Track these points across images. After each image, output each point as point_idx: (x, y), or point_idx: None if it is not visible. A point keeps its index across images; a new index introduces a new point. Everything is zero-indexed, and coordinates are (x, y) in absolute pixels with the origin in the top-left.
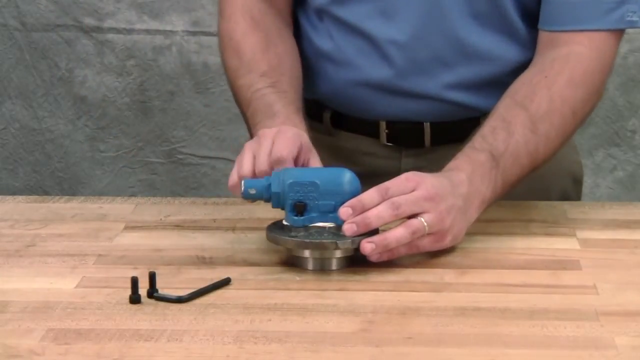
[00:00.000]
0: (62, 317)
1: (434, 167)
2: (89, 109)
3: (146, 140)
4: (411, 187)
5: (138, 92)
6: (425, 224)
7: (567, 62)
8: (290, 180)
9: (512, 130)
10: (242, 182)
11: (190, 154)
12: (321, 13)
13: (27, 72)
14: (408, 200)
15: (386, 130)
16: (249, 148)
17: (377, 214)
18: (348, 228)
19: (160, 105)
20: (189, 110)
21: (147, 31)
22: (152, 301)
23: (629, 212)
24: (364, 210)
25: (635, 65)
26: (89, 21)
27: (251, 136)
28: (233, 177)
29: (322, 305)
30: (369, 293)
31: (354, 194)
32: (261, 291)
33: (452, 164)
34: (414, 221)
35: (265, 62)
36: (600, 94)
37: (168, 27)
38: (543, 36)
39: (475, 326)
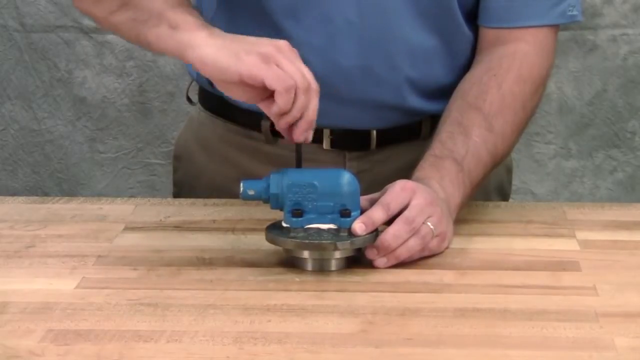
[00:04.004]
0: (61, 317)
1: (378, 168)
2: (88, 110)
3: (146, 142)
4: (408, 196)
5: (137, 93)
6: (432, 227)
7: (514, 59)
8: (289, 182)
9: (469, 132)
10: (241, 183)
11: None
12: (261, 21)
13: (27, 73)
14: (416, 212)
15: (330, 137)
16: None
17: (397, 235)
18: (379, 262)
19: (159, 107)
20: (189, 111)
21: None
22: (152, 302)
23: (628, 213)
24: (375, 226)
25: (634, 66)
26: (89, 22)
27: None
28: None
29: (322, 306)
30: (369, 294)
31: (353, 195)
32: (261, 292)
33: (419, 173)
34: (422, 227)
35: None
36: (545, 86)
37: None
38: (487, 33)
39: (475, 327)
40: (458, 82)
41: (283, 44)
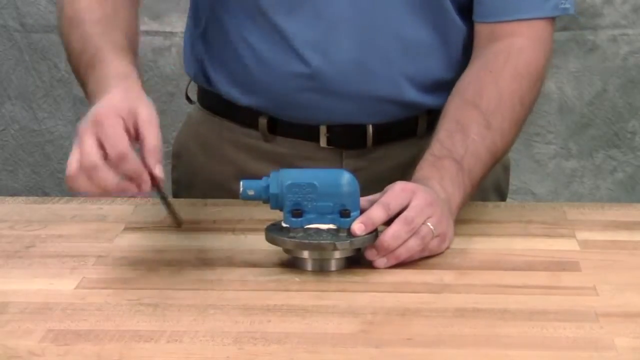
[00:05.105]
0: (61, 318)
1: (375, 166)
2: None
3: None
4: (408, 197)
5: None
6: (432, 227)
7: (510, 54)
8: (289, 182)
9: (468, 130)
10: (241, 182)
11: None
12: (255, 18)
13: (27, 73)
14: (416, 212)
15: (327, 134)
16: (89, 133)
17: (396, 235)
18: (379, 263)
19: (159, 107)
20: (188, 111)
21: (147, 32)
22: (152, 302)
23: (628, 214)
24: (375, 226)
25: (634, 66)
26: None
27: (85, 91)
28: (73, 166)
29: (322, 307)
30: (369, 294)
31: (353, 196)
32: (261, 292)
33: (419, 174)
34: (422, 228)
35: (99, 11)
36: (543, 80)
37: (168, 29)
38: (481, 29)
39: (475, 327)
40: (453, 75)
41: (85, 123)
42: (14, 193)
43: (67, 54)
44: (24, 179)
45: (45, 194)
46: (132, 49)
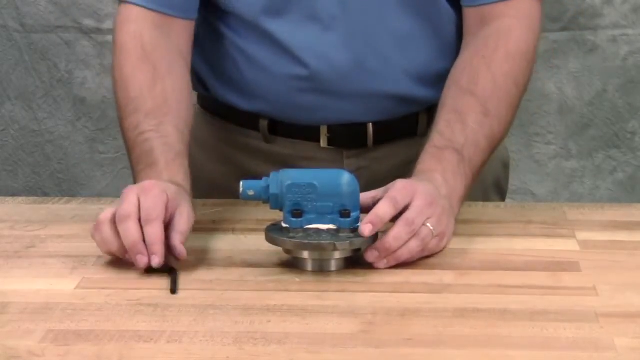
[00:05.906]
0: (61, 318)
1: (376, 166)
2: (88, 110)
3: None
4: (410, 195)
5: None
6: (432, 228)
7: (499, 37)
8: (289, 182)
9: (466, 119)
10: (241, 183)
11: None
12: (249, 25)
13: (27, 74)
14: (417, 213)
15: (327, 134)
16: (134, 193)
17: (398, 237)
18: (380, 264)
19: None
20: None
21: None
22: (152, 302)
23: (628, 214)
24: (383, 223)
25: (634, 67)
26: (89, 22)
27: (134, 180)
28: (107, 215)
29: (322, 307)
30: (369, 294)
31: (353, 196)
32: (261, 292)
33: (421, 166)
34: (422, 229)
35: (150, 100)
36: (535, 58)
37: None
38: (470, 13)
39: (475, 328)
40: (448, 65)
41: (100, 218)
42: (14, 193)
43: (122, 133)
44: (24, 179)
45: (45, 194)
46: (184, 142)
